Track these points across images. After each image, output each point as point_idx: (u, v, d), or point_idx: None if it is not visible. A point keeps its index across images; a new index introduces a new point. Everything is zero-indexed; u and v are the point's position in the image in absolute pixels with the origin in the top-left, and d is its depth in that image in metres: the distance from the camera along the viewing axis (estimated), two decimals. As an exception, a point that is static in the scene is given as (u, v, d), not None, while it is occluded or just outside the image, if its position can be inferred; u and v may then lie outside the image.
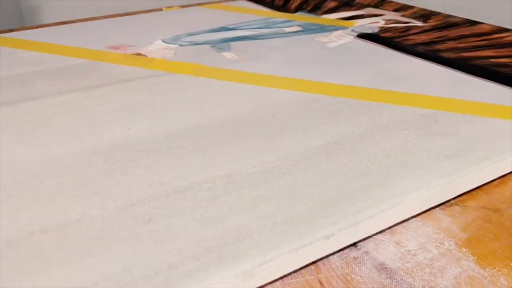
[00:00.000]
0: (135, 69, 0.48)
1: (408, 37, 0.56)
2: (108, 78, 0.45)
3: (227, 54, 0.51)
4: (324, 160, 0.32)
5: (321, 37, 0.57)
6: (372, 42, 0.55)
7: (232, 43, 0.55)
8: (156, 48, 0.53)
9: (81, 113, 0.39)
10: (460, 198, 0.31)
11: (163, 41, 0.55)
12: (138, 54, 0.52)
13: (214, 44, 0.54)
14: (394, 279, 0.25)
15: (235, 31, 0.59)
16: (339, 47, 0.54)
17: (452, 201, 0.31)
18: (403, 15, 0.65)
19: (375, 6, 0.70)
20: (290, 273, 0.25)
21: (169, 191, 0.29)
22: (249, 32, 0.59)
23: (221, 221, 0.26)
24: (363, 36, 0.57)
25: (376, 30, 0.59)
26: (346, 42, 0.55)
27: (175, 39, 0.55)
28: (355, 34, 0.58)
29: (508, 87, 0.43)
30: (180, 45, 0.54)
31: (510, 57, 0.49)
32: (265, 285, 0.24)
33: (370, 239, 0.27)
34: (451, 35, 0.57)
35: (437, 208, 0.30)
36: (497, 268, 0.25)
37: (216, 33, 0.58)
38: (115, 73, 0.47)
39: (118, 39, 0.56)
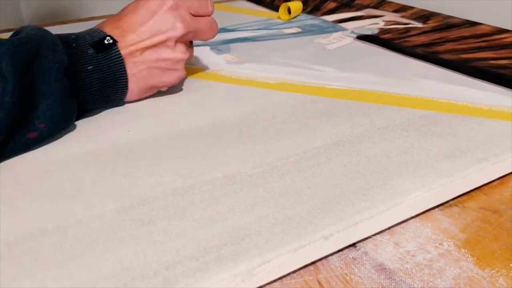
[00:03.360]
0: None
1: (407, 39, 0.56)
2: (107, 79, 0.45)
3: (227, 56, 0.51)
4: (324, 161, 0.32)
5: (320, 39, 0.57)
6: (372, 44, 0.55)
7: (231, 45, 0.55)
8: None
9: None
10: (459, 199, 0.31)
11: (162, 42, 0.55)
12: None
13: (214, 45, 0.55)
14: (393, 279, 0.25)
15: (235, 32, 0.59)
16: (339, 48, 0.54)
17: (451, 202, 0.31)
18: (402, 16, 0.65)
19: (375, 7, 0.70)
20: (289, 274, 0.25)
21: (169, 193, 0.29)
22: (248, 34, 0.59)
23: (220, 222, 0.26)
24: (363, 37, 0.57)
25: (376, 31, 0.59)
26: (346, 43, 0.56)
27: (174, 41, 0.55)
28: (355, 35, 0.58)
29: (507, 88, 0.43)
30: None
31: (509, 58, 0.49)
32: (264, 285, 0.24)
33: (369, 239, 0.28)
34: (451, 37, 0.57)
35: (436, 209, 0.30)
36: (496, 269, 0.25)
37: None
38: (114, 74, 0.47)
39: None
